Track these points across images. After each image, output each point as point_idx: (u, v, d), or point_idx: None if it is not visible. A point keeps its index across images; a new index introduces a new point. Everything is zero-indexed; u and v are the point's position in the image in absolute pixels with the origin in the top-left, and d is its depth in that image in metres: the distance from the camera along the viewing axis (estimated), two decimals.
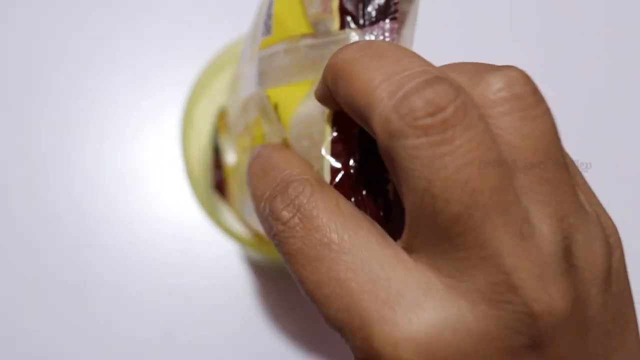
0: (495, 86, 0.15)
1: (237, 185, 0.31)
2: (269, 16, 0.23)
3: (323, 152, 0.19)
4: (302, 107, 0.20)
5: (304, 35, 0.21)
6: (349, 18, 0.20)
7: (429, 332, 0.15)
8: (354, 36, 0.20)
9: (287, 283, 0.42)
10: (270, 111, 0.22)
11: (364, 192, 0.18)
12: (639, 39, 0.49)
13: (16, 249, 0.43)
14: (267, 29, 0.24)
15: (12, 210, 0.44)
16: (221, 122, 0.36)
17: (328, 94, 0.18)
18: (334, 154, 0.19)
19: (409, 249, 0.16)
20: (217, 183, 0.35)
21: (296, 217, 0.17)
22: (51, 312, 0.41)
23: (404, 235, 0.16)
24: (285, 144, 0.21)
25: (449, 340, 0.15)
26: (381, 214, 0.18)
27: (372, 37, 0.19)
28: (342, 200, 0.17)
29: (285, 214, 0.17)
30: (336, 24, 0.20)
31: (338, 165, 0.19)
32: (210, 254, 0.43)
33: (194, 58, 0.40)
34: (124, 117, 0.46)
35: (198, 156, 0.38)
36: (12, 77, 0.47)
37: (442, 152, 0.14)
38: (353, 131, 0.19)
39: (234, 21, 0.48)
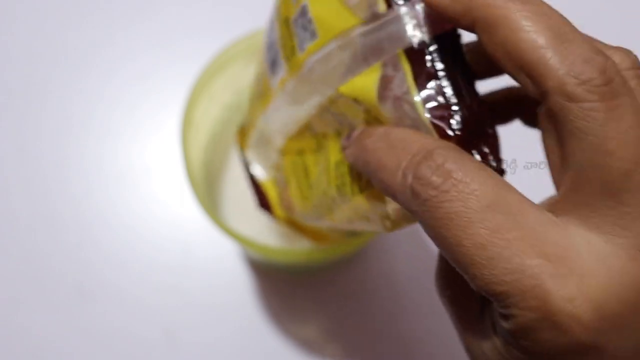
0: (627, 64, 0.18)
1: (296, 190, 0.30)
2: (308, 21, 0.24)
3: (425, 118, 0.19)
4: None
5: (354, 27, 0.21)
6: None
7: (599, 286, 0.15)
8: (405, 10, 0.20)
9: (287, 283, 0.42)
10: (353, 105, 0.22)
11: (477, 148, 0.19)
12: (639, 40, 0.49)
13: (16, 249, 0.43)
14: (312, 34, 0.24)
15: (11, 211, 0.44)
16: (242, 139, 0.35)
17: (465, 20, 0.18)
18: (432, 113, 0.19)
19: (553, 210, 0.17)
20: (260, 202, 0.34)
21: (449, 181, 0.17)
22: (51, 312, 0.41)
23: (556, 197, 0.18)
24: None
25: (617, 292, 0.15)
26: (499, 169, 0.19)
27: (421, 6, 0.20)
28: (484, 165, 0.18)
29: (436, 179, 0.17)
30: (382, 5, 0.20)
31: (447, 126, 0.19)
32: (210, 254, 0.43)
33: (194, 58, 0.40)
34: (124, 117, 0.46)
35: (198, 156, 0.38)
36: (12, 77, 0.47)
37: (616, 114, 0.16)
38: (436, 72, 0.19)
39: (234, 21, 0.48)
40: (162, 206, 0.44)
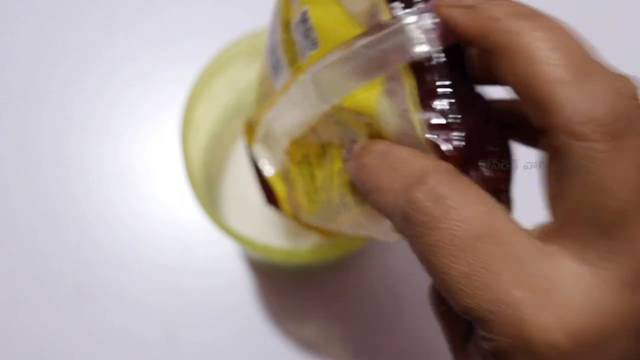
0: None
1: (303, 193, 0.29)
2: (309, 29, 0.23)
3: (424, 137, 0.18)
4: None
5: (356, 37, 0.20)
6: (396, 3, 0.19)
7: (579, 317, 0.16)
8: (410, 20, 0.19)
9: (287, 283, 0.42)
10: (356, 119, 0.21)
11: (477, 168, 0.19)
12: (639, 39, 0.49)
13: (16, 249, 0.43)
14: (313, 43, 0.23)
15: (11, 211, 0.44)
16: (249, 134, 0.34)
17: (481, 43, 0.18)
18: (433, 132, 0.18)
19: (545, 238, 0.17)
20: (268, 198, 0.34)
21: (440, 207, 0.17)
22: (51, 312, 0.41)
23: (550, 225, 0.18)
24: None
25: (595, 322, 0.16)
26: (500, 188, 0.19)
27: (426, 17, 0.19)
28: (480, 189, 0.17)
29: (428, 204, 0.17)
30: (386, 14, 0.20)
31: (447, 147, 0.18)
32: (210, 254, 0.43)
33: (194, 58, 0.40)
34: (124, 117, 0.46)
35: (198, 156, 0.38)
36: (12, 77, 0.47)
37: (618, 155, 0.16)
38: (438, 91, 0.19)
39: (234, 21, 0.48)
40: (162, 206, 0.44)
